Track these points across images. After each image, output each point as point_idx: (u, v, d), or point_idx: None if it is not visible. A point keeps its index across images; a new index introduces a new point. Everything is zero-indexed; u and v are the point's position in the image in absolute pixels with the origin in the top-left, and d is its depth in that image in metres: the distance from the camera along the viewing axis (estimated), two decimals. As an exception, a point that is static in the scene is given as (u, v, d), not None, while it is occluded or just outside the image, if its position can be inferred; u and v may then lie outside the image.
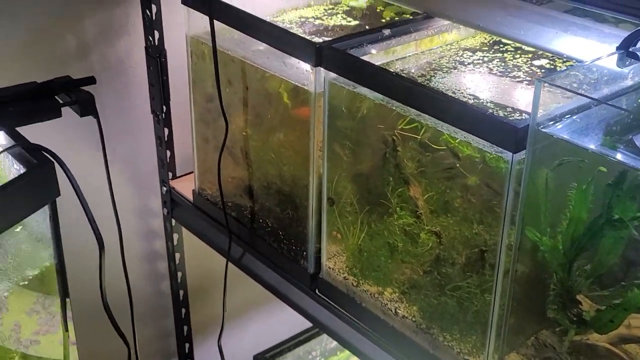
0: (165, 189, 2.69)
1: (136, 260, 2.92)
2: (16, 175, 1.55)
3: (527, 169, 1.57)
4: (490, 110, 1.68)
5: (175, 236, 2.79)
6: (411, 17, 2.11)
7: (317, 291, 2.21)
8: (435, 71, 1.97)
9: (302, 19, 2.40)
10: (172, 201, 2.68)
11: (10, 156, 1.62)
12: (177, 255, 2.83)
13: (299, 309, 2.29)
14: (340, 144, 2.02)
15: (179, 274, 2.87)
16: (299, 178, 2.15)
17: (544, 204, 1.65)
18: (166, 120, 2.56)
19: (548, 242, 1.66)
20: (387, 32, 1.99)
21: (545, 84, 1.49)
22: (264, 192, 2.30)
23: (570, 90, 1.50)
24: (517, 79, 1.95)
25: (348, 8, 2.49)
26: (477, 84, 1.90)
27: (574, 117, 1.59)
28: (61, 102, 1.78)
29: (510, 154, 1.57)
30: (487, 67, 2.01)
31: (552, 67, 2.01)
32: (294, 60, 2.01)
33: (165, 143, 2.61)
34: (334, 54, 1.88)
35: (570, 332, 1.71)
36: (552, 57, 2.05)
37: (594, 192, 1.57)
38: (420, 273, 1.97)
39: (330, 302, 2.17)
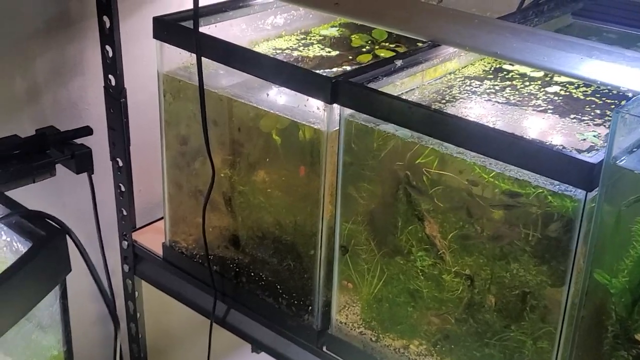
0: (126, 243, 2.41)
1: (87, 324, 2.61)
2: (21, 252, 1.27)
3: (600, 207, 1.44)
4: (558, 147, 1.54)
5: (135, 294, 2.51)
6: (419, 46, 1.96)
7: (324, 349, 2.01)
8: (451, 103, 1.83)
9: (278, 51, 2.22)
10: (134, 256, 2.40)
11: (4, 228, 1.34)
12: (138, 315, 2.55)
13: (302, 369, 2.08)
14: (355, 187, 1.84)
15: (139, 336, 2.58)
16: (304, 226, 1.95)
17: (614, 244, 1.52)
18: (127, 167, 2.29)
19: (618, 284, 1.54)
20: (399, 62, 1.83)
21: (626, 115, 1.36)
22: (257, 242, 2.08)
23: (654, 120, 1.39)
24: (539, 108, 1.84)
25: (321, 37, 2.33)
26: (503, 116, 1.78)
27: (637, 150, 1.48)
28: (54, 158, 1.50)
29: (584, 192, 1.43)
30: (502, 96, 1.89)
31: (567, 93, 1.92)
32: (298, 97, 1.82)
33: (126, 193, 2.33)
34: (353, 89, 1.71)
35: (636, 377, 1.59)
36: (563, 83, 1.96)
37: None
38: (452, 321, 1.81)
39: (343, 360, 1.97)
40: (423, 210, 1.88)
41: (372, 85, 1.74)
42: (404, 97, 1.83)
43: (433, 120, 1.59)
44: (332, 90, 1.72)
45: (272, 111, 1.90)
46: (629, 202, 1.47)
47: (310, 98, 1.78)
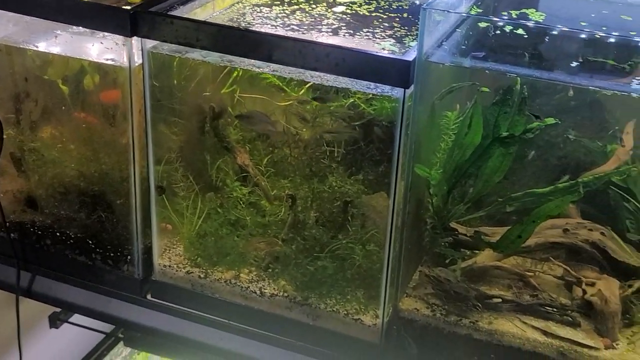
0: None
1: None
2: None
3: (416, 103, 1.53)
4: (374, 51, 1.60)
5: None
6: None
7: (149, 297, 1.94)
8: (251, 28, 1.83)
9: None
10: None
11: None
12: None
13: (128, 324, 1.99)
14: (165, 123, 1.78)
15: None
16: (113, 173, 1.86)
17: (430, 139, 1.62)
18: None
19: (436, 175, 1.64)
20: (191, -9, 1.78)
21: (433, 11, 1.45)
22: (58, 199, 1.95)
23: (457, 12, 1.49)
24: (333, 26, 1.89)
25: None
26: (303, 37, 1.80)
27: (444, 44, 1.58)
28: None
29: (402, 90, 1.50)
30: (295, 19, 1.92)
31: (353, 11, 1.98)
32: (87, 35, 1.71)
33: None
34: (155, 19, 1.64)
35: (458, 261, 1.72)
36: (346, 3, 2.02)
37: (474, 114, 1.59)
38: (279, 243, 1.83)
39: (172, 304, 1.91)
40: (232, 140, 1.88)
41: (174, 13, 1.68)
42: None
43: (247, 41, 1.57)
44: (132, 23, 1.63)
45: (63, 54, 1.77)
46: (441, 95, 1.57)
47: (106, 34, 1.68)
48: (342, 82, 1.58)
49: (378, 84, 1.54)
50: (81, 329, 2.71)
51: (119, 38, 1.67)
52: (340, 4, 2.03)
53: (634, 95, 1.42)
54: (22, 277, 2.03)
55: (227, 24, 1.85)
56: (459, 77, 1.65)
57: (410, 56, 1.48)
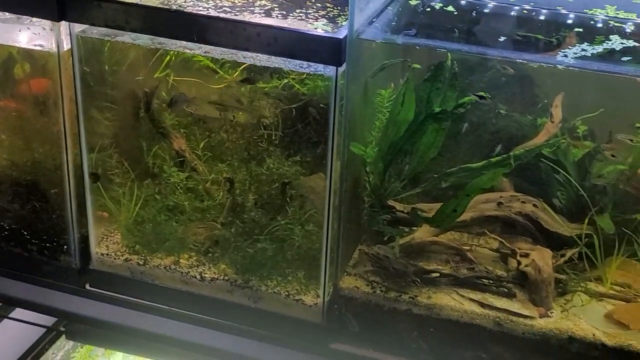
0: None
1: None
2: None
3: (349, 81, 1.53)
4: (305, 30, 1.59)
5: None
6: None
7: (87, 287, 1.91)
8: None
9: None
10: None
11: None
12: None
13: (67, 315, 1.96)
14: (98, 109, 1.75)
15: None
16: (46, 161, 1.82)
17: (365, 117, 1.63)
18: None
19: (372, 153, 1.65)
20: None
21: (362, -14, 1.45)
22: (-10, 190, 1.91)
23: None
24: (266, 7, 1.88)
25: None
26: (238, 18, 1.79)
27: (375, 21, 1.59)
28: None
29: (334, 68, 1.51)
30: (229, 1, 1.90)
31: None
32: (13, 22, 1.67)
33: None
34: (83, 2, 1.61)
35: (397, 238, 1.74)
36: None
37: (406, 91, 1.60)
38: (218, 227, 1.82)
39: (111, 293, 1.89)
40: (167, 125, 1.86)
41: (98, -3, 1.65)
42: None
43: (176, 22, 1.55)
44: (59, 7, 1.60)
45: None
46: (373, 73, 1.58)
47: (34, 19, 1.64)
48: (275, 62, 1.57)
49: (311, 63, 1.54)
50: (22, 324, 2.66)
51: (46, 23, 1.63)
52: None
53: (559, 67, 1.45)
54: (-46, 273, 1.99)
55: (157, 5, 1.82)
56: (393, 54, 1.66)
57: (342, 34, 1.49)
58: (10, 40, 1.71)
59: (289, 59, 1.54)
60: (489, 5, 1.74)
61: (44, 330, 2.78)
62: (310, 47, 1.49)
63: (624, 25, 1.60)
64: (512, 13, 1.69)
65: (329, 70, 1.52)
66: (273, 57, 1.55)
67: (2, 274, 1.97)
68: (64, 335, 2.74)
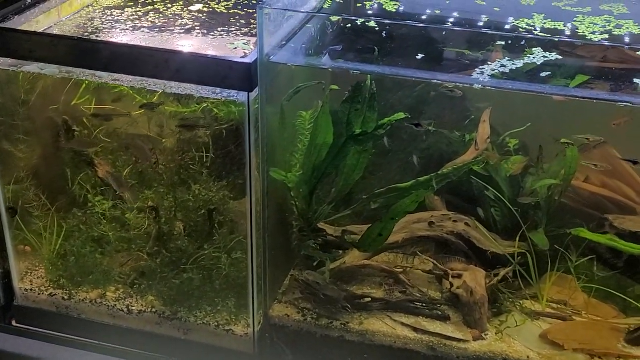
0: None
1: None
2: None
3: (263, 106, 1.47)
4: (212, 55, 1.53)
5: None
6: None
7: (13, 323, 1.84)
8: (95, 34, 1.74)
9: None
10: None
11: None
12: None
13: (-6, 352, 1.89)
14: (10, 141, 1.68)
15: None
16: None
17: (283, 141, 1.57)
18: None
19: (294, 178, 1.60)
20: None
21: (270, 10, 1.39)
22: None
23: (295, 11, 1.44)
24: (187, 27, 1.82)
25: None
26: (153, 39, 1.73)
27: (290, 43, 1.53)
28: None
29: (246, 93, 1.45)
30: (147, 20, 1.84)
31: (211, 9, 1.92)
32: None
33: None
34: (-18, 31, 1.53)
35: (327, 262, 1.68)
36: (205, 1, 1.96)
37: (322, 114, 1.55)
38: (145, 257, 1.76)
39: (37, 329, 1.82)
40: (91, 153, 1.79)
41: (3, 25, 1.58)
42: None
43: (81, 50, 1.49)
44: (-43, 36, 1.53)
45: None
46: (289, 96, 1.52)
47: None
48: (188, 88, 1.51)
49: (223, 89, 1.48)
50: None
51: (-53, 55, 1.56)
52: (197, 2, 1.96)
53: (475, 86, 1.39)
54: None
55: (73, 30, 1.76)
56: (311, 76, 1.60)
57: (251, 58, 1.43)
58: None
59: (199, 85, 1.47)
60: (423, 17, 1.69)
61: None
62: (219, 72, 1.43)
63: (548, 35, 1.56)
64: (443, 26, 1.63)
65: (241, 96, 1.46)
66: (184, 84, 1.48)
67: None
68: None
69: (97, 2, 1.93)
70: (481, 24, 1.65)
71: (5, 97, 1.62)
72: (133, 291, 1.77)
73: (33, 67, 1.58)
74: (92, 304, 1.77)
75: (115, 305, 1.76)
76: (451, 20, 1.66)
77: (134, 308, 1.75)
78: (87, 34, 1.74)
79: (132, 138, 1.68)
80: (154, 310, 1.74)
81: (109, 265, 1.78)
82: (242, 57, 1.46)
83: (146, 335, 1.75)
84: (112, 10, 1.88)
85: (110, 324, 1.77)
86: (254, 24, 1.80)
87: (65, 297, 1.79)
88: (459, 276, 1.63)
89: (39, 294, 1.80)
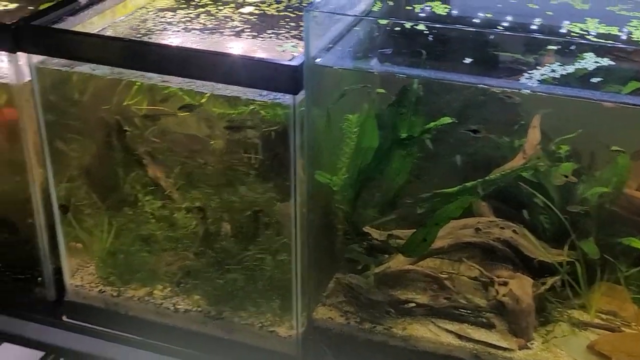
0: None
1: None
2: None
3: (309, 109, 1.47)
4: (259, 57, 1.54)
5: None
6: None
7: (64, 318, 1.88)
8: (147, 36, 1.77)
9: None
10: None
11: None
12: None
13: (46, 347, 1.94)
14: (63, 140, 1.72)
15: None
16: (15, 193, 1.79)
17: (329, 144, 1.57)
18: None
19: (339, 182, 1.59)
20: (83, 0, 1.72)
21: (317, 13, 1.39)
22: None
23: (342, 14, 1.43)
24: (237, 29, 1.84)
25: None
26: (203, 41, 1.75)
27: (337, 45, 1.53)
28: None
29: (292, 96, 1.45)
30: (198, 22, 1.86)
31: (261, 11, 1.93)
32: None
33: None
34: (38, 33, 1.57)
35: (371, 266, 1.67)
36: (256, 3, 1.97)
37: (367, 118, 1.54)
38: (191, 257, 1.78)
39: (87, 324, 1.86)
40: (141, 153, 1.82)
41: (58, 26, 1.62)
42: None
43: (131, 51, 1.51)
44: (14, 38, 1.57)
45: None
46: (334, 100, 1.52)
47: (-8, 50, 1.61)
48: (235, 90, 1.52)
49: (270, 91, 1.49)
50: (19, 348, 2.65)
51: (4, 54, 1.60)
52: (248, 4, 1.97)
53: (524, 91, 1.37)
54: None
55: (126, 32, 1.79)
56: (362, 79, 1.60)
57: (298, 61, 1.43)
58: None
59: (246, 88, 1.48)
60: (474, 21, 1.67)
61: (42, 353, 2.76)
62: (266, 75, 1.43)
63: (601, 41, 1.52)
64: (494, 29, 1.61)
65: (288, 98, 1.47)
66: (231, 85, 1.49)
67: (-19, 306, 1.95)
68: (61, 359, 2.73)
69: (150, 3, 1.96)
70: (533, 27, 1.62)
71: (58, 96, 1.66)
72: (179, 290, 1.79)
73: (85, 68, 1.61)
74: (139, 302, 1.80)
75: (162, 303, 1.78)
76: (502, 23, 1.63)
77: (179, 306, 1.77)
78: (139, 35, 1.77)
79: (178, 138, 1.70)
80: (199, 309, 1.76)
81: (156, 264, 1.80)
82: (289, 59, 1.46)
83: (191, 334, 1.77)
84: (165, 12, 1.91)
85: (156, 322, 1.79)
86: (303, 27, 1.81)
87: (114, 294, 1.82)
88: (505, 284, 1.60)
89: (89, 290, 1.84)
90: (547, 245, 1.65)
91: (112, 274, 1.82)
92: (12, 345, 2.04)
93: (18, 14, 1.79)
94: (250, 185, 1.71)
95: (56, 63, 1.62)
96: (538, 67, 1.41)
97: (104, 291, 1.83)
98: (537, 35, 1.55)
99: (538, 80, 1.37)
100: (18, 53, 1.59)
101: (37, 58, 1.61)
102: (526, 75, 1.38)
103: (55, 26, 1.61)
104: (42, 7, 1.84)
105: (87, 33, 1.56)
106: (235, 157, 1.71)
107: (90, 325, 1.86)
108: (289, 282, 1.67)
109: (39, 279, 1.85)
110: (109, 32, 1.76)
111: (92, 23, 1.76)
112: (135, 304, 1.80)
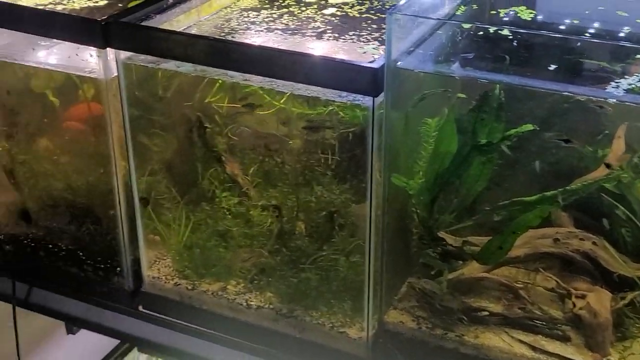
0: None
1: None
2: None
3: (388, 111, 1.47)
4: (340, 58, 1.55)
5: None
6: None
7: (140, 308, 1.93)
8: (231, 35, 1.79)
9: (39, 6, 2.05)
10: None
11: None
12: None
13: (121, 335, 1.99)
14: (146, 134, 1.76)
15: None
16: (98, 185, 1.85)
17: (406, 147, 1.57)
18: None
19: (415, 185, 1.58)
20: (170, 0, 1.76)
21: (400, 16, 1.39)
22: (50, 212, 1.95)
23: (425, 17, 1.43)
24: (319, 30, 1.85)
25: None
26: (285, 41, 1.76)
27: (419, 49, 1.52)
28: None
29: (371, 98, 1.45)
30: (281, 23, 1.88)
31: (344, 13, 1.93)
32: (69, 48, 1.70)
33: None
34: (126, 29, 1.62)
35: (445, 272, 1.66)
36: (338, 4, 1.98)
37: (446, 122, 1.52)
38: (265, 254, 1.79)
39: (161, 316, 1.90)
40: (220, 150, 1.85)
41: (145, 24, 1.66)
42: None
43: (214, 50, 1.54)
44: (104, 34, 1.62)
45: (41, 67, 1.76)
46: (414, 103, 1.51)
47: (81, 46, 1.66)
48: (314, 90, 1.53)
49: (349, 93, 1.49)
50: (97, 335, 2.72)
51: (93, 49, 1.65)
52: (331, 5, 1.98)
53: (611, 101, 1.33)
54: (18, 289, 2.04)
55: (210, 30, 1.82)
56: (442, 83, 1.58)
57: (378, 63, 1.43)
58: (61, 66, 1.73)
59: (326, 88, 1.48)
60: (560, 27, 1.64)
61: (118, 342, 2.84)
62: (346, 76, 1.44)
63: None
64: (581, 36, 1.58)
65: (367, 100, 1.47)
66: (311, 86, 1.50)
67: (61, 293, 2.01)
68: (136, 347, 2.79)
69: (235, 3, 1.98)
70: (621, 35, 1.57)
71: (144, 92, 1.70)
72: (252, 286, 1.81)
73: (170, 65, 1.64)
74: (213, 296, 1.83)
75: (235, 299, 1.81)
76: (589, 30, 1.60)
77: (252, 303, 1.79)
78: (223, 34, 1.80)
79: (256, 135, 1.72)
80: (271, 306, 1.78)
81: (231, 260, 1.83)
82: (370, 61, 1.46)
83: (263, 331, 1.79)
84: (249, 12, 1.93)
85: (229, 317, 1.82)
86: (385, 29, 1.80)
87: (189, 287, 1.85)
88: (583, 296, 1.56)
89: (164, 283, 1.88)
90: (627, 258, 1.60)
91: (188, 267, 1.86)
92: (90, 332, 2.11)
93: (108, 11, 1.84)
94: (326, 186, 1.71)
95: (142, 59, 1.66)
96: (625, 76, 1.37)
97: (179, 284, 1.86)
98: (625, 43, 1.51)
99: (624, 90, 1.33)
100: (107, 49, 1.63)
101: (124, 54, 1.65)
102: (613, 84, 1.35)
103: (143, 23, 1.64)
104: (131, 4, 1.89)
105: (173, 31, 1.60)
106: (312, 157, 1.72)
107: (164, 317, 1.90)
108: (362, 284, 1.67)
109: (118, 269, 1.90)
110: (194, 31, 1.79)
111: (178, 21, 1.79)
112: (209, 298, 1.83)
